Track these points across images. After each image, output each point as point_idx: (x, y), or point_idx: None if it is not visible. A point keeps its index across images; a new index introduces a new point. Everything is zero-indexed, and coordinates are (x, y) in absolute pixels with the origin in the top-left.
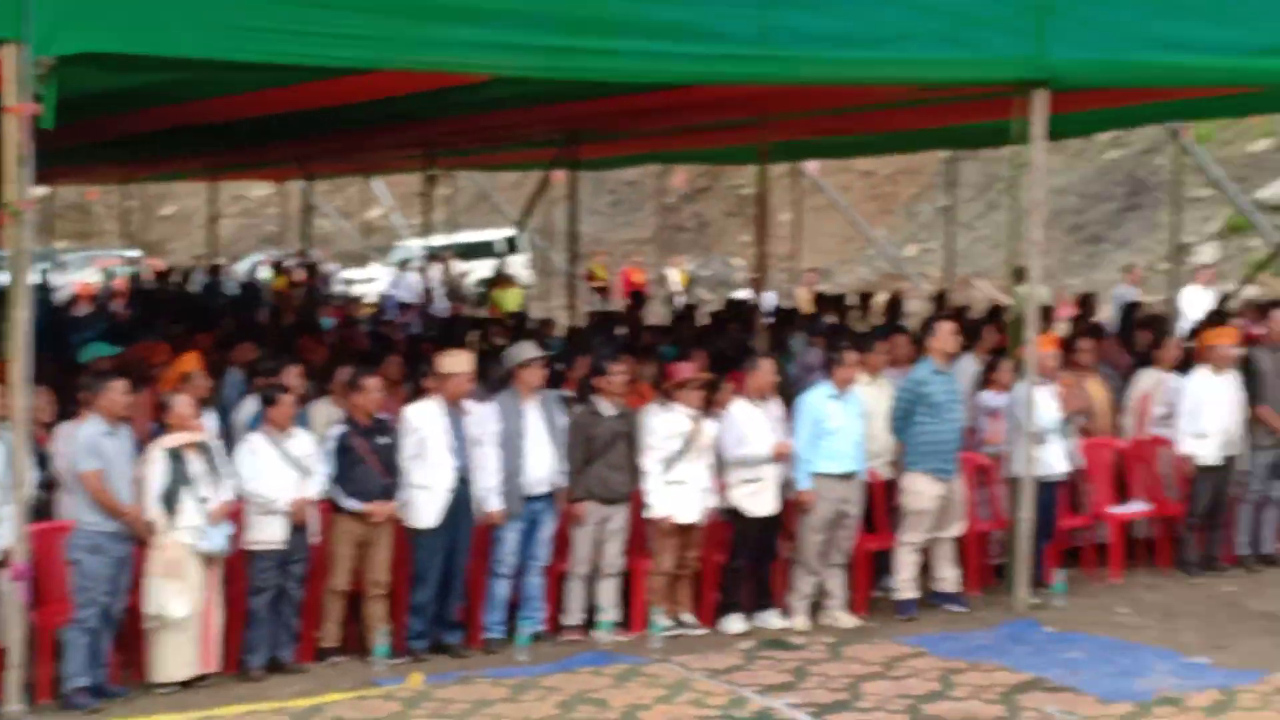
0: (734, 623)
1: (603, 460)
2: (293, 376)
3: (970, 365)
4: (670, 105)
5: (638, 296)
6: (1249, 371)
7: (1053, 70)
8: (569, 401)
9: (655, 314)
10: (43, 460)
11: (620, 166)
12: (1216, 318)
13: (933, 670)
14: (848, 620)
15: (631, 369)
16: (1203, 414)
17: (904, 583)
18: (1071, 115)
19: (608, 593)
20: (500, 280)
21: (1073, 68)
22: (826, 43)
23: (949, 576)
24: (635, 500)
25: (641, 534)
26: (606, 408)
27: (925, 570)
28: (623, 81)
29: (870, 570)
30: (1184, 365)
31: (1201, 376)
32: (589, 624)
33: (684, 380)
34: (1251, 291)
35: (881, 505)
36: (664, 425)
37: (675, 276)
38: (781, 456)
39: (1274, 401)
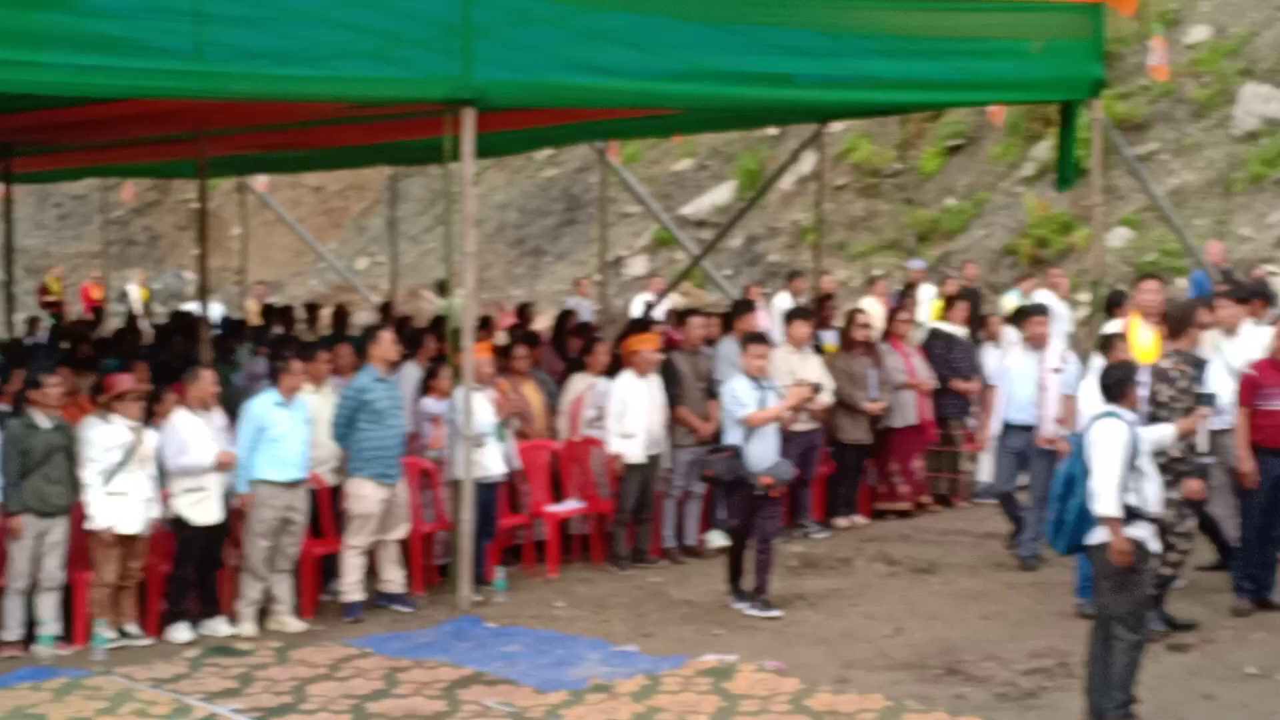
0: (180, 631)
1: (39, 473)
2: None
3: (413, 372)
4: (106, 119)
5: (97, 312)
6: (669, 375)
7: (479, 90)
8: (3, 416)
9: (114, 329)
10: None
11: (61, 180)
12: (639, 324)
13: (378, 669)
14: (295, 624)
15: (69, 381)
16: (628, 415)
17: (350, 586)
18: (504, 134)
19: (47, 606)
20: None
21: (498, 88)
22: (262, 59)
23: (394, 578)
24: (75, 512)
25: (83, 546)
26: (42, 420)
27: (372, 572)
28: (53, 94)
29: (317, 574)
30: (613, 370)
31: (627, 380)
32: (29, 639)
33: (122, 391)
34: (675, 300)
35: (327, 510)
36: (104, 437)
37: (136, 292)
38: (225, 465)
39: (692, 403)
